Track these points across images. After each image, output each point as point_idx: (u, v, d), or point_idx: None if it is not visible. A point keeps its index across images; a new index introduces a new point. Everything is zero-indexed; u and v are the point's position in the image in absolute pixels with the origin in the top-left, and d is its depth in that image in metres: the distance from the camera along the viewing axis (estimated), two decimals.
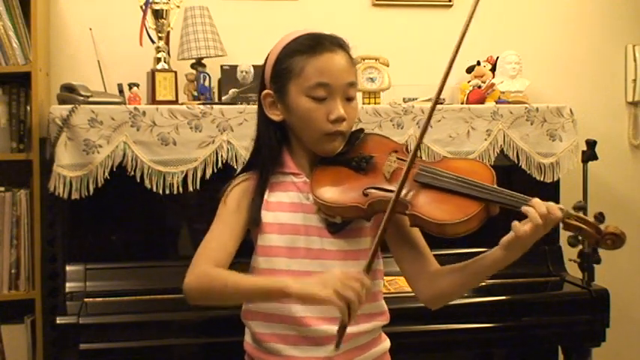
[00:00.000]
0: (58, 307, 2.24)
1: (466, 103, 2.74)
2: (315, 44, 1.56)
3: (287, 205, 1.60)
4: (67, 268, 2.31)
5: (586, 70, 3.22)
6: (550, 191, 2.63)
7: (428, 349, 2.35)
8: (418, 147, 1.51)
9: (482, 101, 2.75)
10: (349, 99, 1.58)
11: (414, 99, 2.71)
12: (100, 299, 2.25)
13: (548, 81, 3.14)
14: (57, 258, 2.38)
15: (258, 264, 1.60)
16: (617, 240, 1.47)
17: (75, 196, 2.25)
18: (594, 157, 2.69)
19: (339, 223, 1.56)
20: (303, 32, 1.60)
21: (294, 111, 1.57)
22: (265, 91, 1.62)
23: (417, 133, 2.50)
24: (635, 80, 3.23)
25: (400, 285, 2.29)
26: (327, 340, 1.55)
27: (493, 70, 2.96)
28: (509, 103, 2.73)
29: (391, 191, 1.49)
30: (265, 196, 1.60)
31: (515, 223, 1.43)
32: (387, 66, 2.69)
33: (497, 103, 2.73)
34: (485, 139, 2.55)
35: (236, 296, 1.53)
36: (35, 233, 2.43)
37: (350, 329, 1.53)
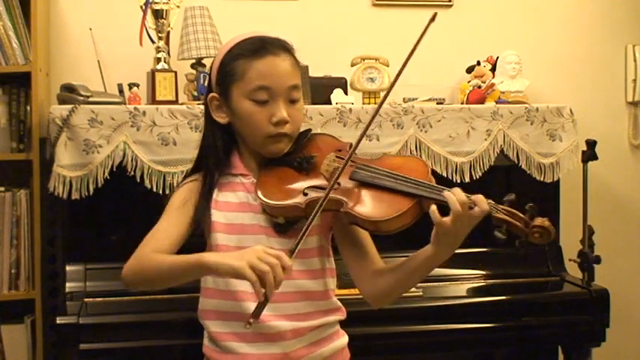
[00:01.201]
0: (58, 307, 2.24)
1: (466, 103, 2.74)
2: (257, 48, 1.57)
3: (235, 205, 1.61)
4: (67, 268, 2.31)
5: (586, 70, 3.22)
6: (550, 191, 2.64)
7: (428, 349, 2.35)
8: (356, 147, 1.54)
9: (482, 101, 2.74)
10: (293, 101, 1.60)
11: (414, 99, 2.71)
12: (100, 299, 2.25)
13: (548, 81, 3.14)
14: (57, 258, 2.38)
15: None
16: (544, 233, 1.43)
17: (75, 196, 2.25)
18: (594, 157, 2.69)
19: (282, 223, 1.58)
20: (248, 35, 1.62)
21: (238, 114, 1.59)
22: (211, 94, 1.65)
23: (417, 133, 2.50)
24: (635, 80, 3.23)
25: None
26: (282, 336, 1.57)
27: (493, 70, 2.95)
28: (509, 103, 2.73)
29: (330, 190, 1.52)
30: (214, 195, 1.62)
31: (433, 210, 1.43)
32: (387, 66, 2.68)
33: (497, 103, 2.73)
34: (485, 139, 2.55)
35: (163, 274, 1.51)
36: (35, 233, 2.43)
37: (303, 324, 1.58)
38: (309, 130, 1.70)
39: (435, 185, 1.49)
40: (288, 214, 1.56)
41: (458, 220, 1.42)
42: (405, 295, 2.06)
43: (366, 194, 1.52)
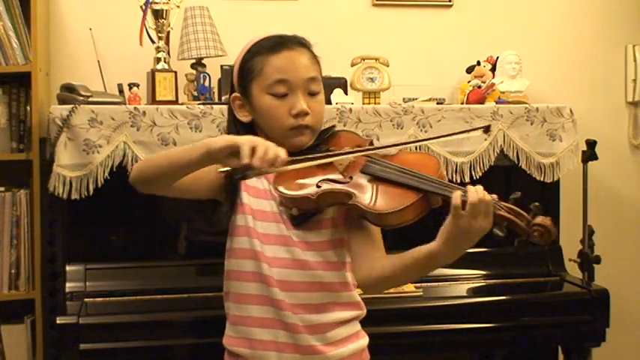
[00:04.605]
0: (58, 307, 2.24)
1: (466, 103, 2.73)
2: (274, 44, 1.62)
3: (262, 191, 1.64)
4: (67, 268, 2.31)
5: (586, 70, 3.22)
6: (550, 191, 2.64)
7: (428, 349, 2.36)
8: (372, 144, 1.58)
9: (482, 101, 2.74)
10: (312, 94, 1.63)
11: (413, 99, 2.71)
12: (100, 299, 2.25)
13: (548, 81, 3.13)
14: (57, 258, 2.38)
15: (233, 244, 1.63)
16: (544, 232, 1.42)
17: (75, 196, 2.25)
18: (594, 157, 2.68)
19: (296, 215, 1.60)
20: (266, 35, 1.67)
21: (259, 110, 1.63)
22: (234, 94, 1.68)
23: (417, 133, 2.50)
24: (635, 80, 3.23)
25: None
26: (303, 329, 1.57)
27: (493, 70, 2.95)
28: (509, 103, 2.73)
29: (342, 183, 1.55)
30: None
31: (456, 196, 1.43)
32: (387, 66, 2.68)
33: (497, 103, 2.73)
34: (485, 139, 2.55)
35: (172, 165, 1.54)
36: (35, 233, 2.44)
37: (325, 318, 1.59)
38: (333, 126, 1.74)
39: (443, 182, 1.50)
40: (301, 206, 1.59)
41: (460, 217, 1.42)
42: (405, 295, 2.06)
43: (375, 188, 1.54)
